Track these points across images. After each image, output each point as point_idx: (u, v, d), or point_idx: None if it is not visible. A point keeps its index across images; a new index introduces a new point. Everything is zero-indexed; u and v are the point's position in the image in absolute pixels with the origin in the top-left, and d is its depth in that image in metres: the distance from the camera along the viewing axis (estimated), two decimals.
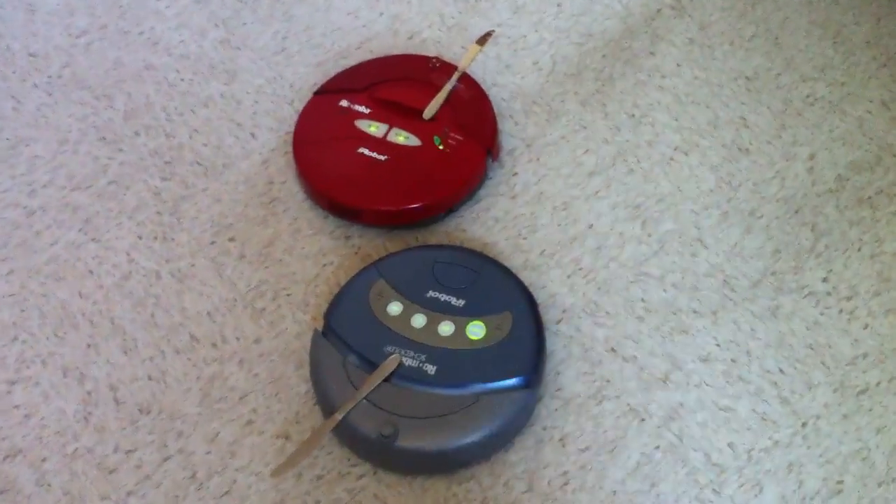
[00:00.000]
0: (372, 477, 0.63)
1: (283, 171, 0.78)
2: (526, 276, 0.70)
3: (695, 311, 0.68)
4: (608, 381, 0.66)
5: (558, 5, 0.87)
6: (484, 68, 0.83)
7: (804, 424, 0.63)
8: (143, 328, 0.70)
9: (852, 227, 0.71)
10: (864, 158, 0.75)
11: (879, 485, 0.61)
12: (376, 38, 0.86)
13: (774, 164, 0.75)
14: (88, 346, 0.69)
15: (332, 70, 0.84)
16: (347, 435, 0.62)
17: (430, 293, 0.66)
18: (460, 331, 0.65)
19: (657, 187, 0.75)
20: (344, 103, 0.77)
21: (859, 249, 0.70)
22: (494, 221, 0.74)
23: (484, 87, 0.80)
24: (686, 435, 0.63)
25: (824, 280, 0.69)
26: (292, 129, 0.80)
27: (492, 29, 0.82)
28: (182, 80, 0.84)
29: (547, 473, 0.62)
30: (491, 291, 0.66)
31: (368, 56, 0.85)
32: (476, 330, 0.65)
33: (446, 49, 0.85)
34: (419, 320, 0.65)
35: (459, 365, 0.63)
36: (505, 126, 0.79)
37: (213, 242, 0.74)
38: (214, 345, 0.69)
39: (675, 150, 0.77)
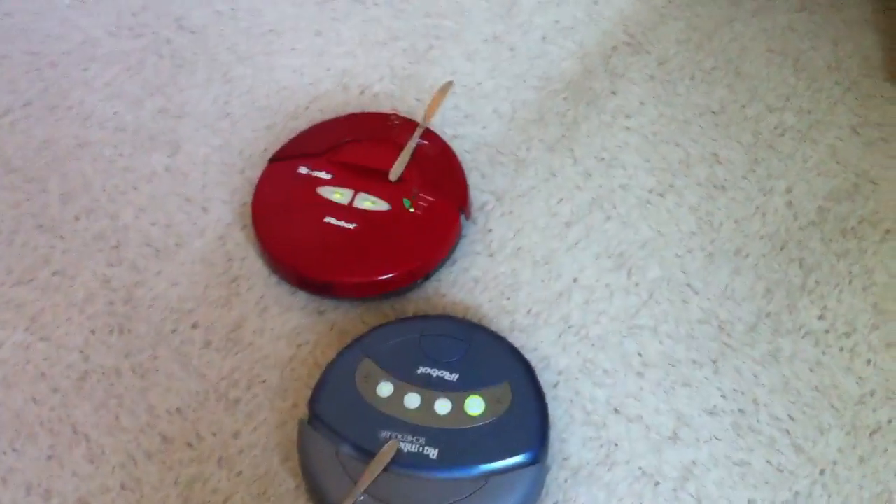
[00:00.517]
0: None
1: (242, 247, 0.74)
2: (515, 339, 0.68)
3: (694, 362, 0.66)
4: (616, 444, 0.63)
5: (511, 49, 0.85)
6: (443, 119, 0.80)
7: (822, 472, 0.61)
8: (108, 433, 0.64)
9: (840, 260, 0.71)
10: (842, 187, 0.74)
11: None
12: (326, 96, 0.83)
13: (753, 200, 0.74)
14: (50, 457, 0.63)
15: (283, 133, 0.80)
16: None
17: (421, 369, 0.63)
18: (458, 408, 0.61)
19: (637, 233, 0.73)
20: (303, 170, 0.73)
21: (850, 283, 0.69)
22: (474, 283, 0.71)
23: (445, 139, 0.77)
24: (704, 496, 0.61)
25: (820, 318, 0.68)
26: (247, 199, 0.76)
27: (450, 80, 0.80)
28: (120, 155, 0.79)
29: None
30: (485, 362, 0.63)
31: (319, 116, 0.81)
32: (475, 405, 0.61)
33: (400, 102, 0.82)
34: (413, 400, 0.62)
35: (462, 445, 0.60)
36: (472, 179, 0.76)
37: (174, 331, 0.69)
38: (189, 444, 0.64)
39: (651, 192, 0.75)
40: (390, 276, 0.68)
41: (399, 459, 0.59)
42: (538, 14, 0.87)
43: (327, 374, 0.63)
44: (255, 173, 0.77)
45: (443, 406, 0.61)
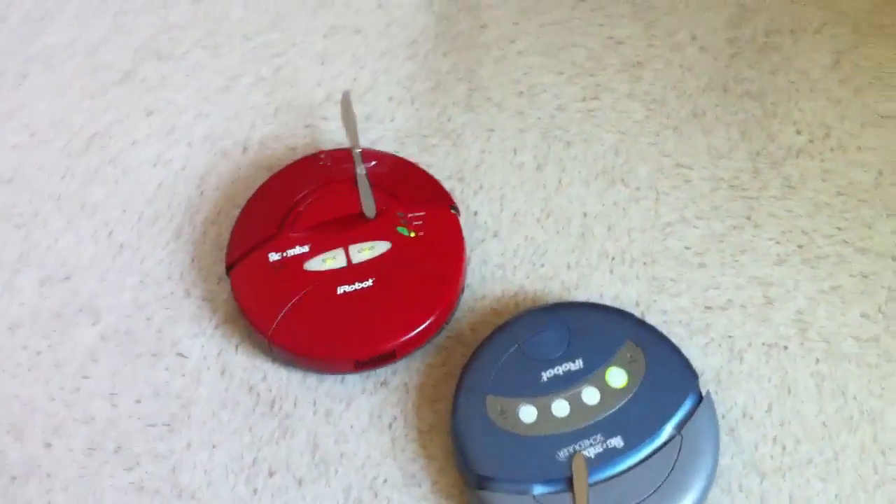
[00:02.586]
0: None
1: (252, 367, 0.66)
2: (578, 296, 0.67)
3: (734, 227, 0.70)
4: (730, 336, 0.66)
5: (357, 31, 0.80)
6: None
7: (894, 258, 0.68)
8: None
9: (776, 75, 0.76)
10: (732, 13, 0.79)
11: None
12: (211, 172, 0.74)
13: (672, 62, 0.77)
14: None
15: (198, 234, 0.71)
16: None
17: (545, 375, 0.61)
18: (605, 388, 0.60)
19: (602, 143, 0.74)
20: (274, 257, 0.66)
21: (797, 90, 0.75)
22: (501, 270, 0.69)
23: (372, 137, 0.73)
24: (826, 334, 0.65)
25: (798, 132, 0.73)
26: (215, 320, 0.67)
27: (346, 89, 0.74)
28: (39, 353, 0.67)
29: (762, 453, 0.61)
30: (592, 334, 0.62)
31: (219, 195, 0.73)
32: (617, 377, 0.61)
33: (291, 138, 0.75)
34: (561, 407, 0.60)
35: (636, 418, 0.59)
36: None
37: (255, 490, 0.62)
38: None
39: (584, 100, 0.76)
40: (440, 307, 0.64)
41: (593, 466, 0.58)
42: None
43: (461, 433, 0.60)
44: (204, 289, 0.69)
45: (591, 395, 0.60)
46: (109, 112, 0.77)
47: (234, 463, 0.63)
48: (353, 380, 0.65)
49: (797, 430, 0.62)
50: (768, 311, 0.67)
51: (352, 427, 0.64)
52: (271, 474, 0.62)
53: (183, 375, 0.66)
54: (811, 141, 0.73)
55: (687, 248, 0.69)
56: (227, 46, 0.80)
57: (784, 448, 0.62)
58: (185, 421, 0.64)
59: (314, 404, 0.65)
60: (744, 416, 0.63)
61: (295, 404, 0.65)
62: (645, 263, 0.69)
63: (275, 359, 0.66)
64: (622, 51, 0.78)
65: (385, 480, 0.62)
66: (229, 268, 0.67)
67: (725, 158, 0.73)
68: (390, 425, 0.64)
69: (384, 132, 0.75)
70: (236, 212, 0.72)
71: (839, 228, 0.69)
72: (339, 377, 0.65)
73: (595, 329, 0.63)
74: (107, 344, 0.67)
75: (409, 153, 0.74)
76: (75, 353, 0.67)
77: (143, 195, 0.73)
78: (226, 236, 0.71)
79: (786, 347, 0.65)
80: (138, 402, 0.65)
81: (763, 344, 0.65)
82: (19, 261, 0.71)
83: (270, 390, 0.65)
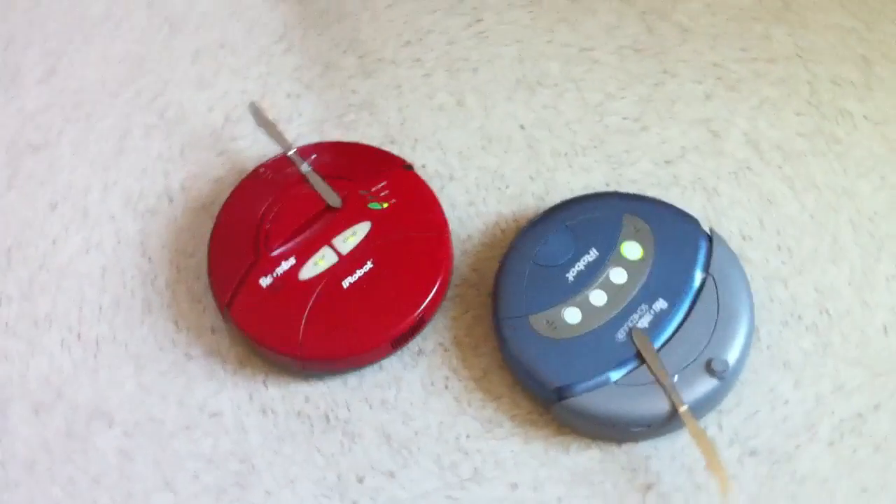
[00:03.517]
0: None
1: (291, 395, 0.66)
2: (555, 199, 0.71)
3: (656, 84, 0.75)
4: (698, 178, 0.71)
5: (222, 46, 0.80)
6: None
7: (798, 55, 0.76)
8: None
9: None
10: None
11: None
12: (147, 235, 0.72)
13: None
14: None
15: (168, 299, 0.70)
16: (702, 406, 0.62)
17: (570, 275, 0.65)
18: (628, 264, 0.65)
19: (505, 58, 0.77)
20: (266, 281, 0.66)
21: None
22: (472, 206, 0.72)
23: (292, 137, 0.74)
24: (776, 141, 0.72)
25: None
26: (231, 368, 0.67)
27: (251, 101, 0.74)
28: (93, 482, 0.65)
29: (774, 263, 0.68)
30: (591, 223, 0.67)
31: (168, 253, 0.72)
32: (633, 250, 0.65)
33: (211, 170, 0.74)
34: (598, 297, 0.64)
35: (667, 277, 0.64)
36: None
37: (355, 502, 0.63)
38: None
39: (470, 26, 0.79)
40: (444, 260, 0.67)
41: (651, 334, 0.63)
42: None
43: (522, 359, 0.63)
44: (203, 345, 0.68)
45: (618, 275, 0.65)
46: (12, 221, 0.74)
47: (319, 488, 0.64)
48: (391, 363, 0.67)
49: (793, 232, 0.69)
50: (719, 143, 0.73)
51: (411, 404, 0.66)
52: (360, 480, 0.64)
53: (227, 433, 0.66)
54: None
55: (625, 118, 0.74)
56: (99, 111, 0.78)
57: (790, 251, 0.69)
58: (252, 473, 0.64)
59: (366, 401, 0.66)
60: (743, 239, 0.69)
61: (348, 408, 0.66)
62: (596, 147, 0.74)
63: (307, 376, 0.67)
64: None
65: (467, 436, 0.65)
66: (225, 308, 0.67)
67: (618, 28, 0.78)
68: (446, 386, 0.66)
69: (299, 129, 0.76)
70: (193, 262, 0.71)
71: (743, 49, 0.76)
72: (377, 366, 0.67)
73: (591, 218, 0.67)
74: (134, 439, 0.66)
75: (334, 137, 0.75)
76: (107, 461, 0.65)
77: (91, 286, 0.71)
78: (197, 289, 0.71)
79: (749, 168, 0.72)
80: (196, 476, 0.64)
81: (729, 173, 0.72)
82: None
83: (318, 407, 0.66)
